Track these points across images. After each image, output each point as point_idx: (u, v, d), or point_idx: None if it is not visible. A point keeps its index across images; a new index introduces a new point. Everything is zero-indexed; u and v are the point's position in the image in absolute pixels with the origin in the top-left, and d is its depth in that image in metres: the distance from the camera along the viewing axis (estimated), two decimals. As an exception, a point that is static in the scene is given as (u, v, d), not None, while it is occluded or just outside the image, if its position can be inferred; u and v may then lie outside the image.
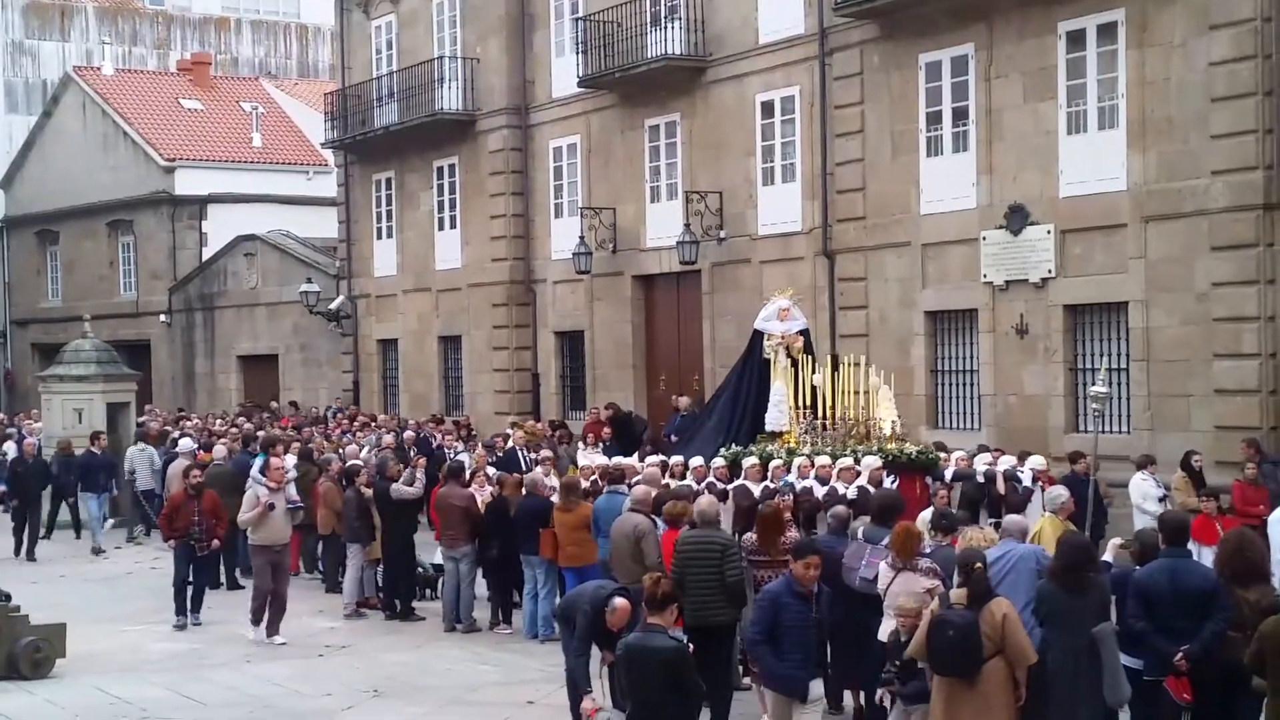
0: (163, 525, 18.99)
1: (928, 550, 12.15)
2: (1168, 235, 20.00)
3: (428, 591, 19.46)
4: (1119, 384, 20.57)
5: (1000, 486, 17.79)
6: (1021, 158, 21.69)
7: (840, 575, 12.47)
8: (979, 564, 10.33)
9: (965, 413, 22.95)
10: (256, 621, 17.31)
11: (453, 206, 33.40)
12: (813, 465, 17.63)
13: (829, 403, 18.93)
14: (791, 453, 18.17)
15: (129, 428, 28.70)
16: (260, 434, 26.07)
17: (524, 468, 21.12)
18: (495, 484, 18.40)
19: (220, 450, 22.91)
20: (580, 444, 24.15)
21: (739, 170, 26.46)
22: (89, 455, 25.40)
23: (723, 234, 26.55)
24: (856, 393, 18.98)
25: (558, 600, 16.70)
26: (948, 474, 18.01)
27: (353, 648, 16.84)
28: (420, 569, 19.39)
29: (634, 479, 17.04)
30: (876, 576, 12.07)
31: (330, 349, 37.82)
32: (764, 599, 10.85)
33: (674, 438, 24.33)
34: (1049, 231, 21.31)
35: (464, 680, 15.18)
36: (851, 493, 16.84)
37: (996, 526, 16.86)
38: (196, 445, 24.91)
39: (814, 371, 19.22)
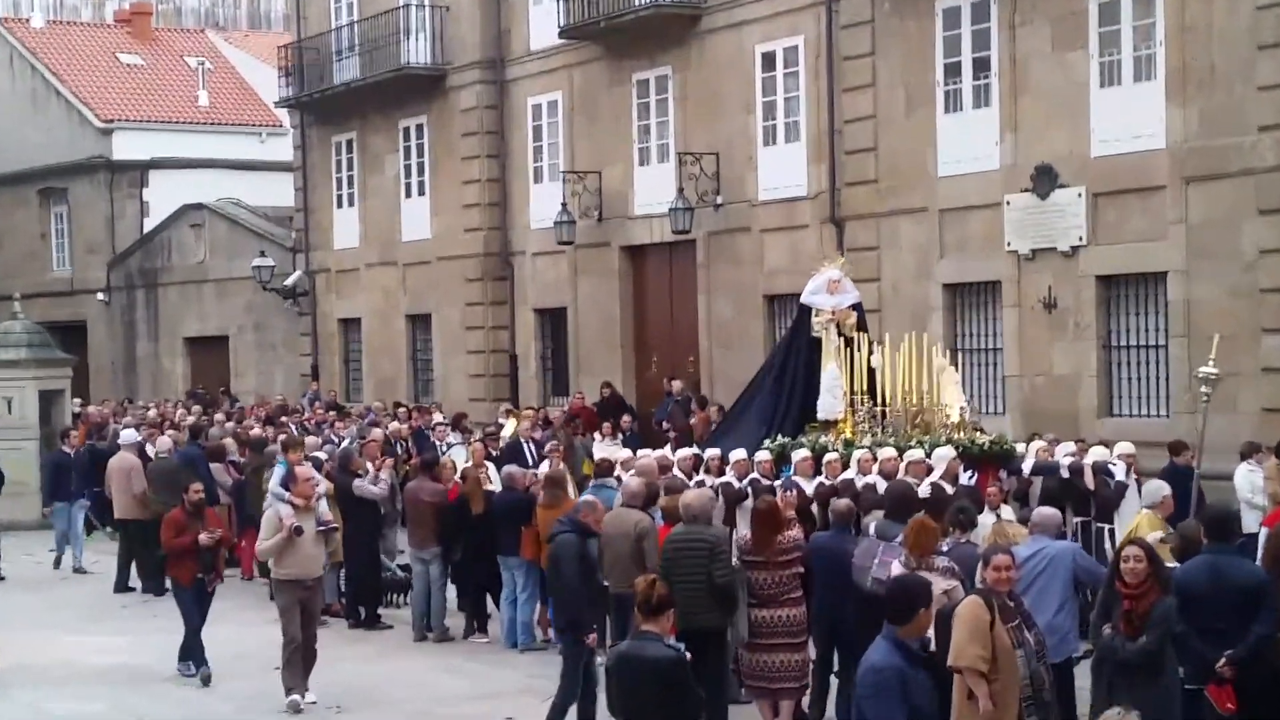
0: (171, 560, 15.96)
1: (945, 548, 12.12)
2: (1211, 197, 20.03)
3: (398, 597, 19.34)
4: (1156, 363, 20.62)
5: (1089, 480, 17.08)
6: (1049, 113, 21.69)
7: (842, 576, 12.52)
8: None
9: (988, 395, 22.99)
10: (293, 687, 14.43)
11: (421, 171, 33.37)
12: (875, 459, 16.78)
13: (888, 387, 18.09)
14: (849, 444, 17.44)
15: (63, 418, 28.57)
16: (213, 427, 25.98)
17: (531, 461, 20.80)
18: (460, 478, 18.16)
19: (165, 442, 22.77)
20: (597, 435, 24.00)
21: (737, 129, 26.44)
22: (60, 455, 24.02)
23: (719, 200, 26.55)
24: (920, 375, 18.13)
25: (539, 605, 16.76)
26: (1026, 466, 17.38)
27: (313, 659, 16.84)
28: (388, 572, 19.37)
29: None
30: (890, 577, 12.09)
31: (286, 329, 37.82)
32: (886, 677, 8.72)
33: (665, 424, 24.35)
34: (1080, 195, 21.34)
35: (434, 694, 15.17)
36: (924, 490, 15.38)
37: (1086, 527, 16.70)
38: (140, 438, 24.29)
39: (871, 351, 18.33)
